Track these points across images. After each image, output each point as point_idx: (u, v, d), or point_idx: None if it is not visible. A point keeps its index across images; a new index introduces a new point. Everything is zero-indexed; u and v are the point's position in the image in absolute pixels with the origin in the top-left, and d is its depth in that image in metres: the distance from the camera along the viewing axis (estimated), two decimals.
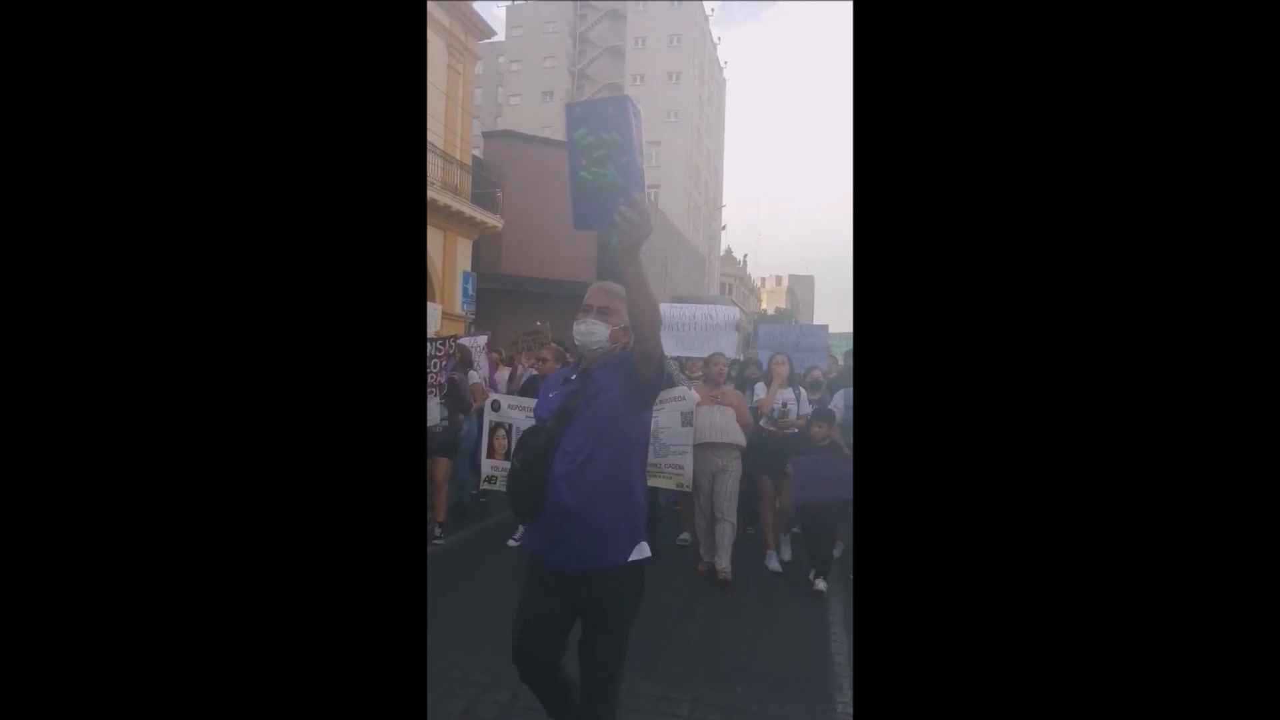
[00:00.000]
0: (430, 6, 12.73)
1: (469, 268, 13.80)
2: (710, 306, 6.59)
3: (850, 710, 2.76)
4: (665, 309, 6.16)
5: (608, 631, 1.92)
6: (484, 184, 14.62)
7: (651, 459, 4.36)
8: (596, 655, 1.92)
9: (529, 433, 1.99)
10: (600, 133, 1.68)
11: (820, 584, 4.28)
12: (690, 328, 6.13)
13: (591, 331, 1.97)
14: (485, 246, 15.17)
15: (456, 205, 13.04)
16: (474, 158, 14.96)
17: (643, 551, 1.93)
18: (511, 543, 4.87)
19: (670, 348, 5.76)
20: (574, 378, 2.03)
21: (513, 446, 4.37)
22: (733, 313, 6.46)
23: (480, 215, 13.84)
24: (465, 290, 10.90)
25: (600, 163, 1.69)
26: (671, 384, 4.93)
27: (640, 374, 1.84)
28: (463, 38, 14.12)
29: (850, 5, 1.05)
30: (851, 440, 3.85)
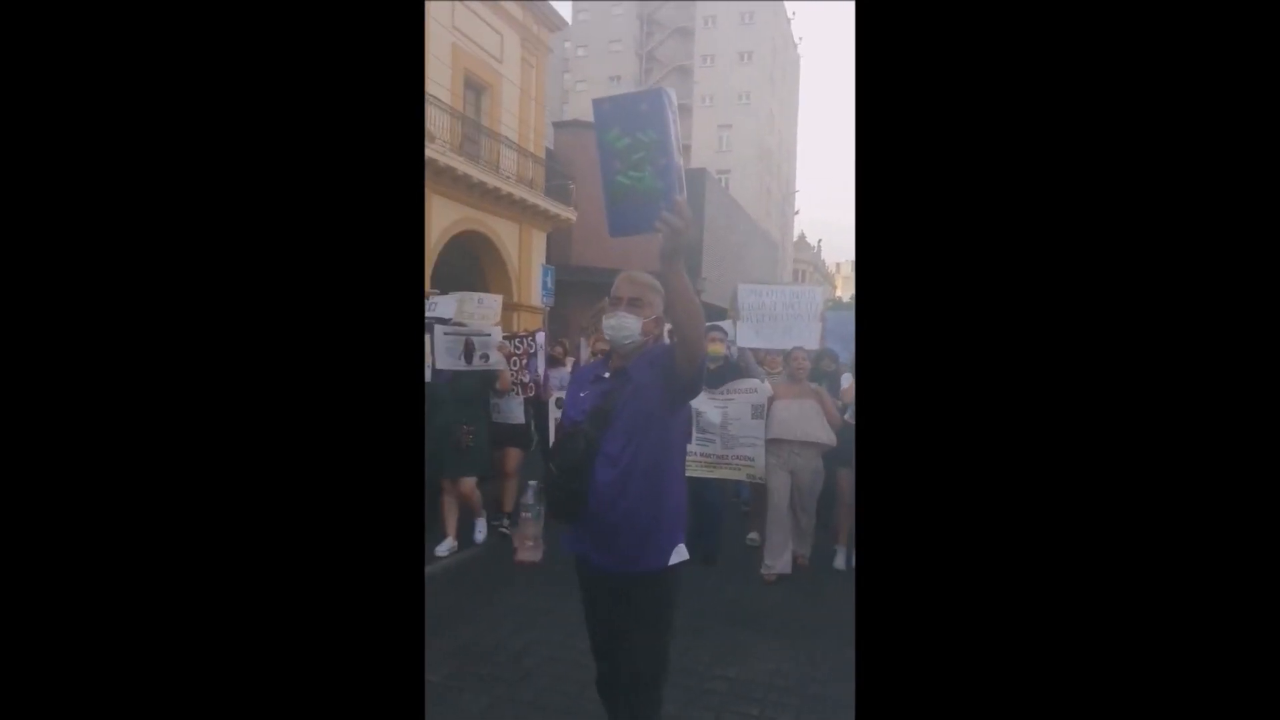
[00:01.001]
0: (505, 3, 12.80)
1: (544, 260, 13.93)
2: (793, 290, 6.06)
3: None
4: (743, 292, 5.89)
5: (647, 634, 1.88)
6: (555, 175, 14.69)
7: (719, 450, 4.46)
8: (636, 656, 1.88)
9: (566, 437, 1.92)
10: (636, 133, 1.56)
11: (840, 562, 4.52)
12: (770, 317, 5.66)
13: (623, 325, 1.88)
14: (555, 238, 15.26)
15: (532, 199, 13.15)
16: (546, 149, 15.03)
17: (681, 554, 1.90)
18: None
19: (747, 338, 5.56)
20: (606, 375, 1.95)
21: None
22: (816, 298, 5.97)
23: (554, 208, 13.91)
24: (544, 284, 11.06)
25: (638, 166, 1.57)
26: (748, 374, 4.85)
27: (682, 375, 1.78)
28: (535, 31, 14.16)
29: None
30: None
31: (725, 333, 5.45)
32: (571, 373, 6.33)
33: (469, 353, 4.53)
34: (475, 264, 13.09)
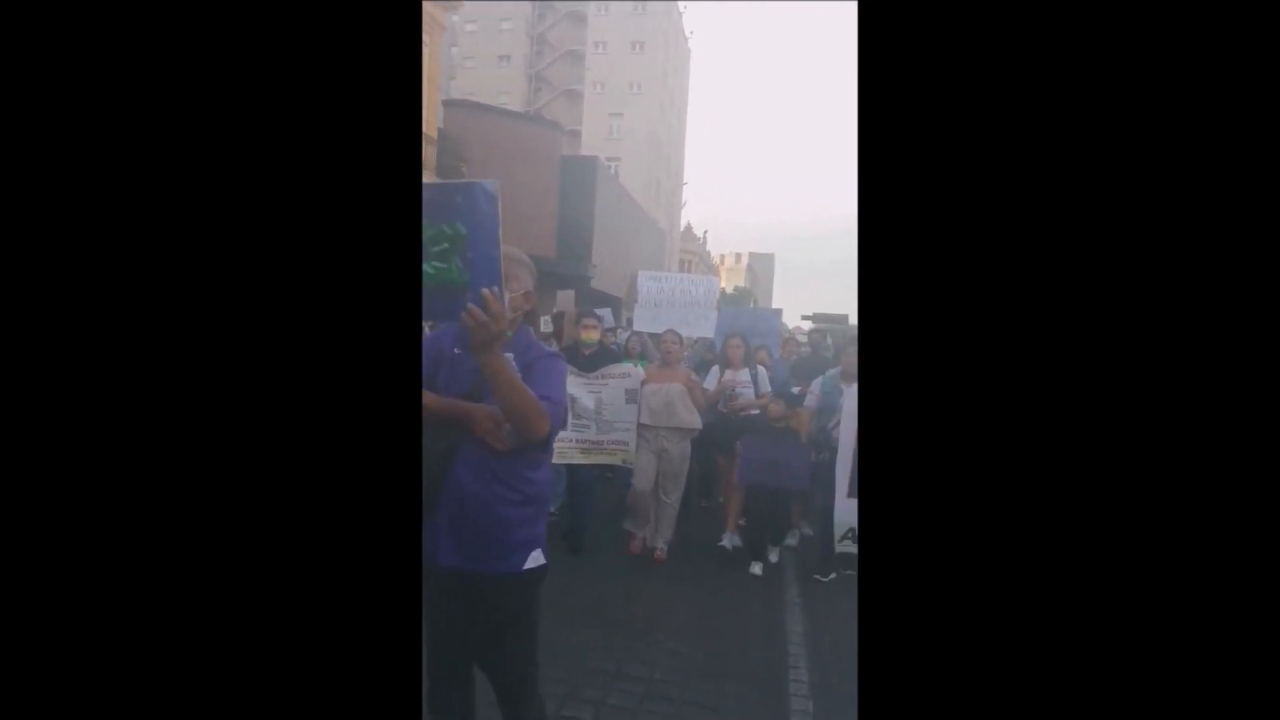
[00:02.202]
0: None
1: None
2: (690, 279, 6.22)
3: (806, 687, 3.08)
4: (642, 278, 5.93)
5: (514, 635, 1.85)
6: (447, 156, 14.41)
7: (594, 436, 4.50)
8: (505, 658, 1.85)
9: (433, 426, 1.78)
10: (441, 224, 1.55)
11: (756, 568, 4.38)
12: (667, 303, 5.82)
13: None
14: None
15: (424, 180, 12.89)
16: (438, 130, 14.72)
17: (537, 559, 1.85)
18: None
19: (645, 323, 5.74)
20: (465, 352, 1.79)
21: None
22: (713, 288, 6.13)
23: None
24: None
25: (441, 257, 1.56)
26: (647, 357, 4.99)
27: (528, 443, 1.74)
28: (431, 10, 13.82)
29: None
30: (840, 430, 3.82)
31: (601, 319, 5.45)
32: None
33: None
34: None
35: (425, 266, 1.60)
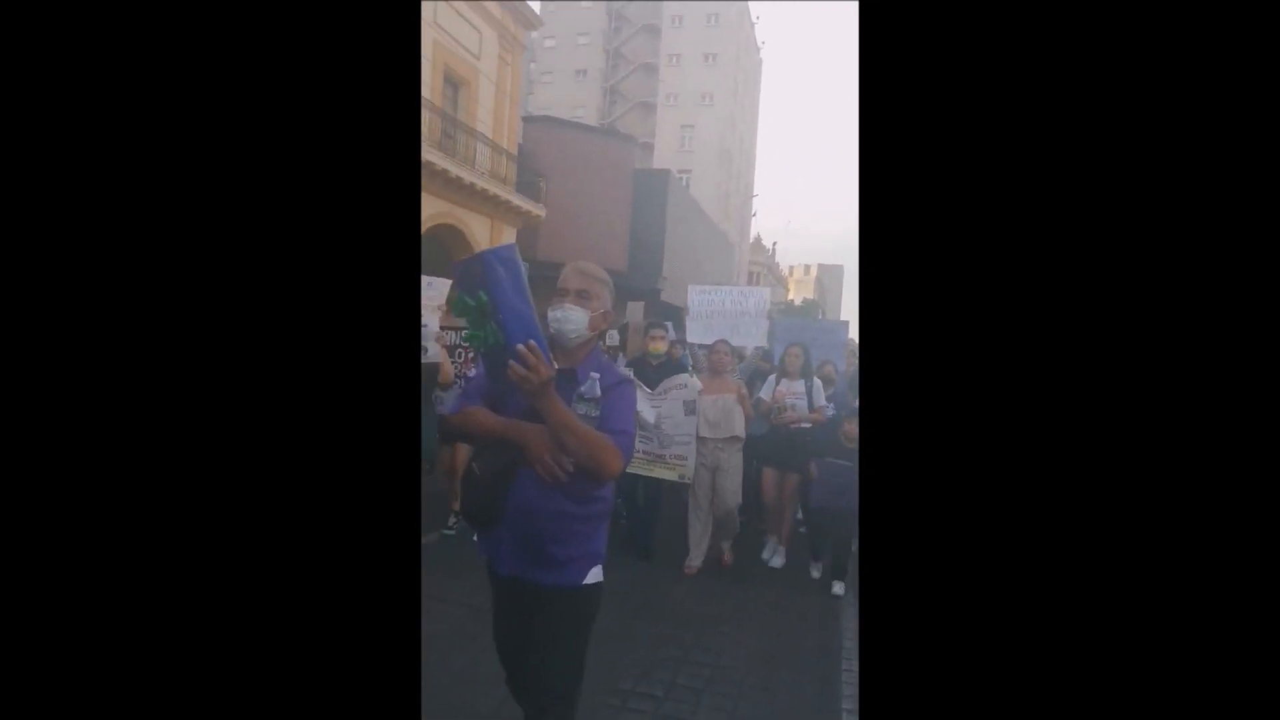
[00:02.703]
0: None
1: None
2: (740, 291, 6.45)
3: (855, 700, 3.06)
4: (693, 291, 6.17)
5: (562, 650, 1.82)
6: (526, 172, 15.04)
7: (656, 449, 4.53)
8: (548, 673, 1.80)
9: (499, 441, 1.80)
10: (466, 297, 1.67)
11: (838, 587, 4.33)
12: (718, 315, 5.97)
13: (568, 318, 1.80)
14: (522, 234, 15.66)
15: (504, 195, 13.52)
16: (519, 146, 15.38)
17: (596, 575, 1.85)
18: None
19: (698, 335, 5.91)
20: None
21: None
22: (763, 298, 6.27)
23: (525, 204, 14.31)
24: None
25: (475, 325, 1.68)
26: (683, 369, 5.04)
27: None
28: (513, 30, 14.49)
29: None
30: None
31: (667, 330, 5.55)
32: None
33: None
34: (447, 258, 13.41)
35: (465, 336, 1.75)
